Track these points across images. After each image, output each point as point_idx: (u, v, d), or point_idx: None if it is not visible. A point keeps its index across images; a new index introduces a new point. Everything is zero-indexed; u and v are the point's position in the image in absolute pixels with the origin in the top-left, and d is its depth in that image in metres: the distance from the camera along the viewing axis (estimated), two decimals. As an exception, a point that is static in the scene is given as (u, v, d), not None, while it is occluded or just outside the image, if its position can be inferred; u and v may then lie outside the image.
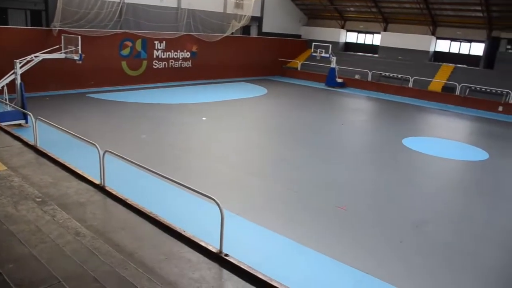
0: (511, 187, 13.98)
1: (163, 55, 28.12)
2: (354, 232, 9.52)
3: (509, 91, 28.39)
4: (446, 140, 19.56)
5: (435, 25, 34.27)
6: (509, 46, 31.27)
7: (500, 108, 28.16)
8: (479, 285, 7.92)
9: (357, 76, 34.32)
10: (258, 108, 23.87)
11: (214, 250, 6.46)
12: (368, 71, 33.87)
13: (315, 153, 15.57)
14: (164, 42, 27.78)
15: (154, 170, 7.75)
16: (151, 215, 7.31)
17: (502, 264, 8.78)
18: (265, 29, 36.44)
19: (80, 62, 18.10)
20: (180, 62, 29.37)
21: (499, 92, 28.89)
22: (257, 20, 35.63)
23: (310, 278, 7.50)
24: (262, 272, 6.07)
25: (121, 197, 7.90)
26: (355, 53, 38.58)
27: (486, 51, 32.80)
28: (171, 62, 28.80)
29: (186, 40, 29.18)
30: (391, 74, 33.29)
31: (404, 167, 14.98)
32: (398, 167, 14.82)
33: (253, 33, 36.41)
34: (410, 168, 15.12)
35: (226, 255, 6.36)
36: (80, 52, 17.52)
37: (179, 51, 29.08)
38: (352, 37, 39.87)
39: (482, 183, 14.23)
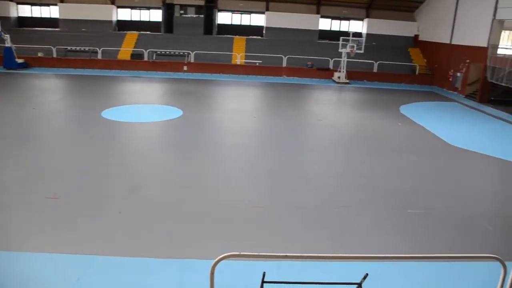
0: (203, 136, 15.60)
1: None
2: (72, 219, 8.79)
3: (189, 52, 31.36)
4: (143, 105, 20.22)
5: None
6: (182, 11, 34.26)
7: (185, 68, 30.95)
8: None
9: (40, 54, 31.42)
10: None
11: None
12: (52, 47, 31.45)
13: (13, 145, 13.62)
14: None
15: None
16: None
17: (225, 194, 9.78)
18: None
19: None
20: None
21: (181, 53, 31.59)
22: None
23: (35, 283, 6.61)
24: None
25: None
26: (33, 28, 35.23)
27: (165, 17, 35.19)
28: None
29: None
30: (78, 48, 31.94)
31: (107, 140, 14.64)
32: (102, 141, 14.37)
33: None
34: (114, 139, 14.92)
35: None
36: None
37: None
38: (25, 11, 36.17)
39: (181, 137, 15.43)
